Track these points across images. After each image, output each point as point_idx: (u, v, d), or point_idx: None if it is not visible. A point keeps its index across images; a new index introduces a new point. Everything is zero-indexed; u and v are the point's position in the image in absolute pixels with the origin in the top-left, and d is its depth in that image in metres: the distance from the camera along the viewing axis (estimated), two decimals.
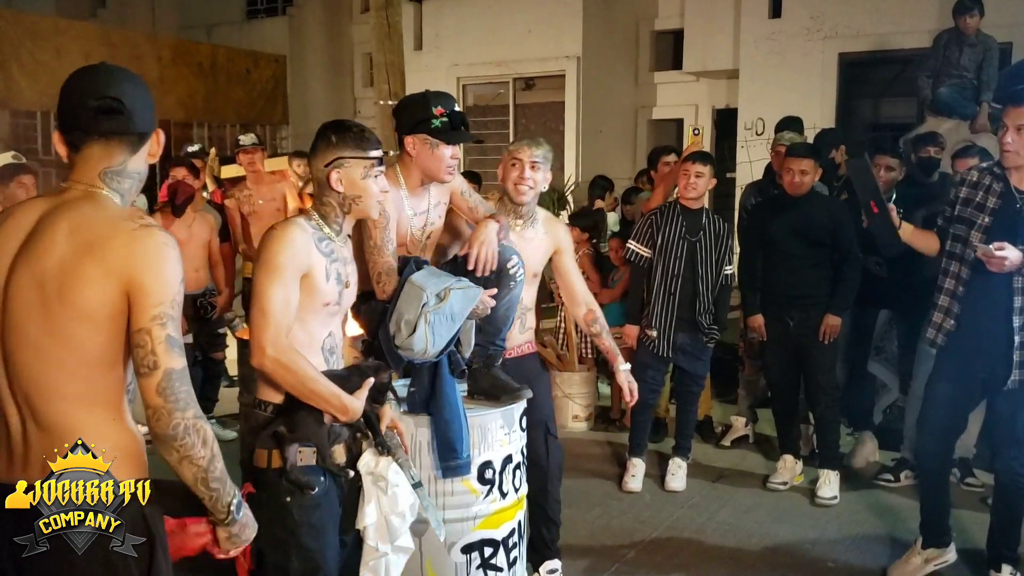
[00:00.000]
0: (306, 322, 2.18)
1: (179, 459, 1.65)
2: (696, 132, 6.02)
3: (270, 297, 2.11)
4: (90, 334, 1.62)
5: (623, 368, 3.49)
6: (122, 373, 1.70)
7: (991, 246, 3.12)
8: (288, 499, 2.15)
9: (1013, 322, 3.22)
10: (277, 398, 2.20)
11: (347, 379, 2.23)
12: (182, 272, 1.68)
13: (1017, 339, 3.22)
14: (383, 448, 2.32)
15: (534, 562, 3.47)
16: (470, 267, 2.74)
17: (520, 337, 3.36)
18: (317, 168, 2.26)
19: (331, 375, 2.20)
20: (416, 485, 2.41)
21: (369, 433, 2.31)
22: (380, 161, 2.30)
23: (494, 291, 2.77)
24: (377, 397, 2.30)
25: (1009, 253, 3.10)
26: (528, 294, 3.32)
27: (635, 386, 3.51)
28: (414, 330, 2.57)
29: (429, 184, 2.87)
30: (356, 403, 2.20)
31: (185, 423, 1.64)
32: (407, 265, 2.68)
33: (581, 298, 3.51)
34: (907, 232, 3.50)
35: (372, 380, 2.25)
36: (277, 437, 2.15)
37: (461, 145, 2.97)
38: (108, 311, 1.62)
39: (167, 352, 1.62)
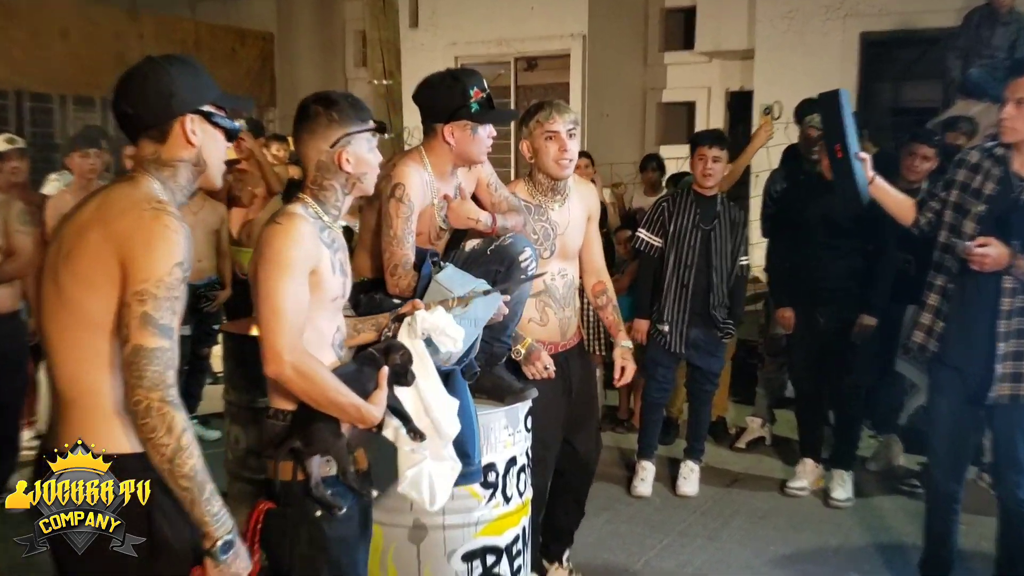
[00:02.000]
0: (315, 320, 2.08)
1: (144, 439, 1.67)
2: (767, 111, 5.50)
3: (283, 297, 1.98)
4: (87, 297, 1.70)
5: (624, 344, 3.31)
6: None
7: (972, 243, 2.86)
8: (318, 513, 2.07)
9: (997, 327, 2.92)
10: (292, 405, 2.09)
11: (359, 372, 2.11)
12: (182, 257, 1.70)
13: (1001, 347, 2.93)
14: (416, 435, 2.19)
15: (555, 554, 3.46)
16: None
17: (575, 321, 3.29)
18: (319, 151, 2.11)
19: (341, 373, 2.08)
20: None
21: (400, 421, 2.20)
22: (379, 129, 2.21)
23: (508, 298, 2.66)
24: (399, 380, 2.16)
25: (991, 251, 2.81)
26: (576, 271, 3.27)
27: (630, 366, 3.30)
28: None
29: (457, 170, 2.79)
30: (376, 410, 2.08)
31: (148, 403, 1.65)
32: (423, 260, 2.58)
33: (595, 267, 3.38)
34: (879, 189, 3.16)
35: (386, 369, 2.12)
36: (295, 453, 2.05)
37: None
38: (104, 278, 1.69)
39: (139, 328, 1.66)
